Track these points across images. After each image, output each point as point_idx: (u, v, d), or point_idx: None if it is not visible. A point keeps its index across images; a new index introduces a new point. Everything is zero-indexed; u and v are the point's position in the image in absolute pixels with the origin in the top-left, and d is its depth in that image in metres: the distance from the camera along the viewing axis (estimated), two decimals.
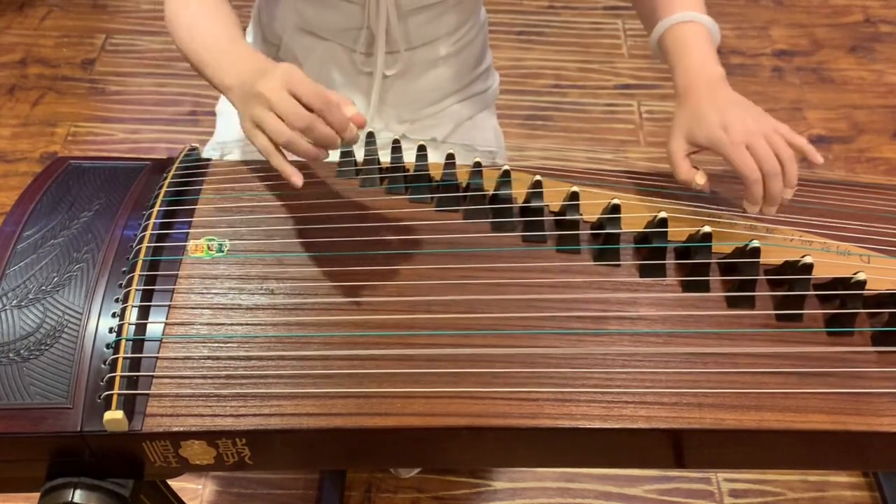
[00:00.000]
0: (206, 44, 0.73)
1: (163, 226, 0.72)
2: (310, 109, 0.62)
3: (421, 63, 0.91)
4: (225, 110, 1.02)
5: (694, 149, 0.73)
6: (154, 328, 0.66)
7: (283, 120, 0.62)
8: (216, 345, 0.66)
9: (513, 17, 2.07)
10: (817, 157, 0.71)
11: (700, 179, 0.73)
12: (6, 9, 2.03)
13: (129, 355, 0.64)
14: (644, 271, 0.72)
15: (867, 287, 0.69)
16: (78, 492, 0.65)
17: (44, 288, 0.69)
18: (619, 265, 0.72)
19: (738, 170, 0.70)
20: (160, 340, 0.65)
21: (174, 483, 0.75)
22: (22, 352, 0.65)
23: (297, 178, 0.63)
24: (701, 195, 0.77)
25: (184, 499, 0.80)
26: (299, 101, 0.62)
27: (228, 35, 0.73)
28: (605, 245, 0.72)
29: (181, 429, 0.62)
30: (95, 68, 1.90)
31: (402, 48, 0.88)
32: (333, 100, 0.62)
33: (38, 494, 0.66)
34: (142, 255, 0.69)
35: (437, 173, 0.79)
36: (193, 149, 0.85)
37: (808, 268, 0.68)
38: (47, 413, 0.62)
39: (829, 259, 0.74)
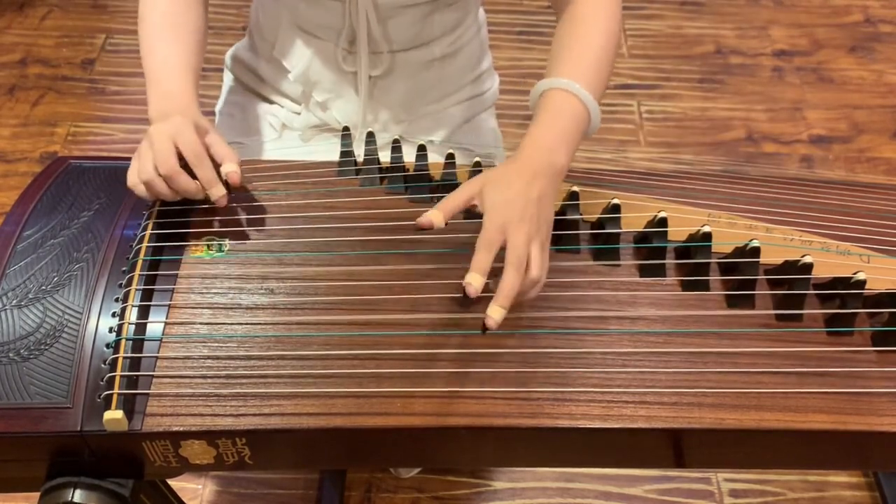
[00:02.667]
0: (152, 66, 0.77)
1: (163, 225, 0.72)
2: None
3: (413, 64, 0.91)
4: (224, 110, 1.02)
5: (473, 202, 0.67)
6: (154, 328, 0.66)
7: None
8: (216, 344, 0.66)
9: (513, 17, 2.07)
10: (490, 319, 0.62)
11: (437, 221, 0.66)
12: (6, 9, 2.03)
13: (129, 355, 0.64)
14: (644, 271, 0.72)
15: (867, 287, 0.69)
16: (78, 491, 0.65)
17: (44, 288, 0.69)
18: (619, 265, 0.72)
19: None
20: (160, 340, 0.65)
21: (174, 483, 0.75)
22: (22, 351, 0.65)
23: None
24: (703, 195, 0.77)
25: (184, 499, 0.80)
26: (179, 150, 0.68)
27: (174, 62, 0.77)
28: (605, 245, 0.72)
29: (181, 428, 0.62)
30: (95, 68, 1.90)
31: (385, 49, 0.88)
32: (206, 157, 0.69)
33: (38, 494, 0.66)
34: (142, 255, 0.69)
35: (437, 173, 0.79)
36: None
37: (808, 267, 0.68)
38: (47, 413, 0.62)
39: (829, 259, 0.74)
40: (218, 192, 0.70)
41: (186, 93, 0.75)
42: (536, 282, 0.64)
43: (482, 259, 0.63)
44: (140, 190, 0.70)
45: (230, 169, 0.70)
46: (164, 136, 0.68)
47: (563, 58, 0.73)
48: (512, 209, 0.64)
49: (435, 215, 0.66)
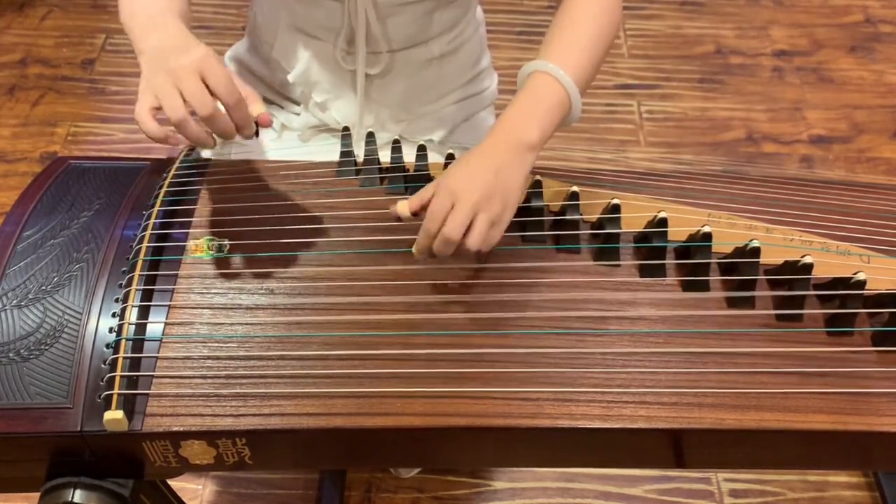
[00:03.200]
0: (138, 9, 0.70)
1: (163, 226, 0.72)
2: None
3: (412, 63, 0.91)
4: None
5: None
6: (154, 328, 0.66)
7: (185, 100, 0.61)
8: (216, 345, 0.66)
9: (513, 17, 2.07)
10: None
11: (402, 211, 0.68)
12: (6, 9, 2.03)
13: (129, 355, 0.64)
14: (644, 271, 0.72)
15: (867, 287, 0.69)
16: (78, 492, 0.65)
17: (44, 288, 0.69)
18: (619, 265, 0.72)
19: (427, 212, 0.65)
20: (160, 340, 0.65)
21: (174, 483, 0.75)
22: (22, 352, 0.65)
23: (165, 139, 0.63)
24: (703, 195, 0.77)
25: (184, 499, 0.80)
26: (208, 88, 0.62)
27: (166, 7, 0.69)
28: (605, 245, 0.72)
29: (181, 429, 0.62)
30: (95, 68, 1.90)
31: (384, 49, 0.88)
32: (241, 95, 0.63)
33: (38, 494, 0.66)
34: (142, 255, 0.69)
35: (436, 173, 0.79)
36: (193, 149, 0.85)
37: (808, 268, 0.68)
38: (47, 413, 0.62)
39: (829, 259, 0.74)
40: (251, 132, 0.64)
41: (182, 26, 0.67)
42: (470, 252, 0.64)
43: (423, 240, 0.65)
44: (152, 128, 0.62)
45: (261, 110, 0.65)
46: (192, 72, 0.61)
47: (552, 42, 0.73)
48: (466, 180, 0.64)
49: (401, 206, 0.68)
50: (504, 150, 0.67)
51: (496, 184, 0.64)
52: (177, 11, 0.70)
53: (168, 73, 0.62)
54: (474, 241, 0.63)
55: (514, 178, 0.66)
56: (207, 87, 0.62)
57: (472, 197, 0.63)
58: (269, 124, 0.65)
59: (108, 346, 0.65)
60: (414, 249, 0.67)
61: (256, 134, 0.67)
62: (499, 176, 0.65)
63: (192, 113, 0.62)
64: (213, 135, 0.64)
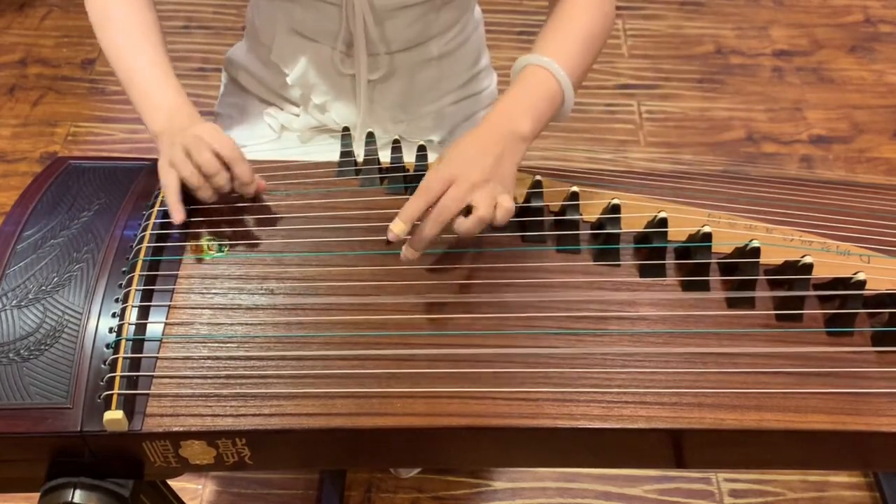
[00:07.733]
0: (134, 77, 0.78)
1: (163, 226, 0.72)
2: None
3: (411, 64, 0.91)
4: (222, 112, 1.02)
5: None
6: (154, 328, 0.66)
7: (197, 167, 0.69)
8: (216, 345, 0.66)
9: (513, 17, 2.07)
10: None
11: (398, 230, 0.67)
12: (6, 9, 2.03)
13: (129, 355, 0.64)
14: (644, 271, 0.72)
15: (867, 287, 0.69)
16: (78, 492, 0.65)
17: (44, 288, 0.69)
18: (619, 265, 0.72)
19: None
20: (160, 340, 0.66)
21: (174, 483, 0.75)
22: (22, 352, 0.65)
23: (178, 216, 0.70)
24: (703, 195, 0.77)
25: (184, 499, 0.80)
26: (215, 153, 0.70)
27: (157, 71, 0.78)
28: (605, 245, 0.72)
29: (181, 429, 0.62)
30: (95, 68, 1.90)
31: (382, 51, 0.87)
32: (242, 155, 0.72)
33: (38, 494, 0.66)
34: (142, 255, 0.69)
35: None
36: None
37: (808, 268, 0.68)
38: (47, 413, 0.62)
39: (829, 259, 0.74)
40: (253, 189, 0.72)
41: (185, 101, 0.77)
42: (482, 221, 0.63)
43: (412, 205, 0.64)
44: (173, 199, 0.70)
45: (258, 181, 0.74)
46: (205, 146, 0.69)
47: (547, 37, 0.75)
48: (466, 163, 0.65)
49: (396, 226, 0.65)
50: (500, 139, 0.67)
51: (495, 170, 0.66)
52: (162, 54, 0.78)
53: (181, 146, 0.70)
54: (487, 212, 0.63)
55: (511, 166, 0.67)
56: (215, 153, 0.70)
57: (470, 177, 0.64)
58: (264, 189, 0.75)
59: (108, 346, 0.65)
60: (396, 226, 0.64)
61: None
62: (498, 162, 0.66)
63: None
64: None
